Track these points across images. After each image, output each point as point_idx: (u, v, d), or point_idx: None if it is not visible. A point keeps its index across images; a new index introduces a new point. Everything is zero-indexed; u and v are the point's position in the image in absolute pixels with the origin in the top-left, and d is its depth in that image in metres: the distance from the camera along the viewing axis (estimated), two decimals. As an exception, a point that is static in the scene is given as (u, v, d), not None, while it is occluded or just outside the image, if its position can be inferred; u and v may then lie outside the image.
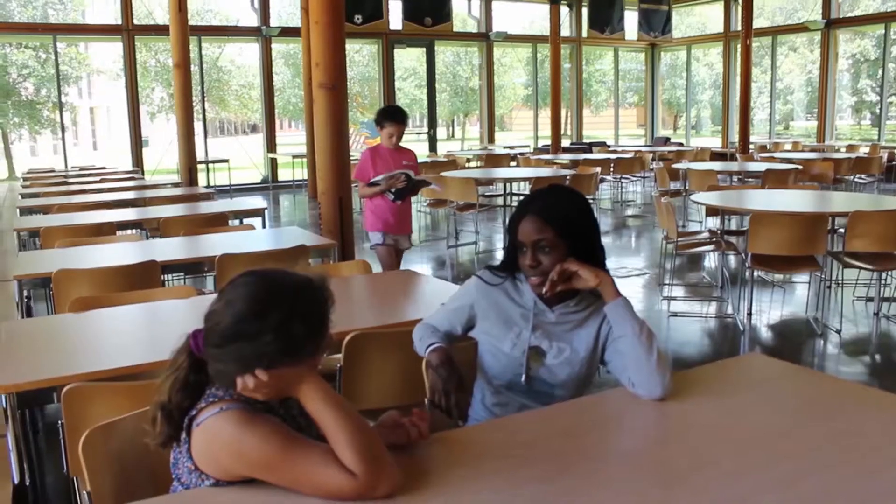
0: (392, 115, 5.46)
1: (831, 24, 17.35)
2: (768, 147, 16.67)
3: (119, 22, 14.81)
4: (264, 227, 7.01)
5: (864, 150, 14.15)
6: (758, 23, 18.35)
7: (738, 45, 17.34)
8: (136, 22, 14.94)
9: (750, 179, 9.97)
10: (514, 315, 2.29)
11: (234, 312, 1.63)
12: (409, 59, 25.70)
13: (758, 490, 1.60)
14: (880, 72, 17.86)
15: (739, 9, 17.55)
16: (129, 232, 5.97)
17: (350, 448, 1.56)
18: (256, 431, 1.57)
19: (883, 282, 6.16)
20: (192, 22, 12.15)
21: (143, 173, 13.70)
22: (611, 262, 8.15)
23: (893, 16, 18.39)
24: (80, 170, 13.07)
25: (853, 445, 1.79)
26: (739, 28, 17.16)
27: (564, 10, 19.01)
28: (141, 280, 3.97)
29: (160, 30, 14.72)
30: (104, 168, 13.49)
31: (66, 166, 14.62)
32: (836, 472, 1.65)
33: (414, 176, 5.45)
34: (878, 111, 17.61)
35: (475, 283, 2.37)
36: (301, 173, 16.03)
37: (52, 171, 13.03)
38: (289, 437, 1.59)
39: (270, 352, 1.61)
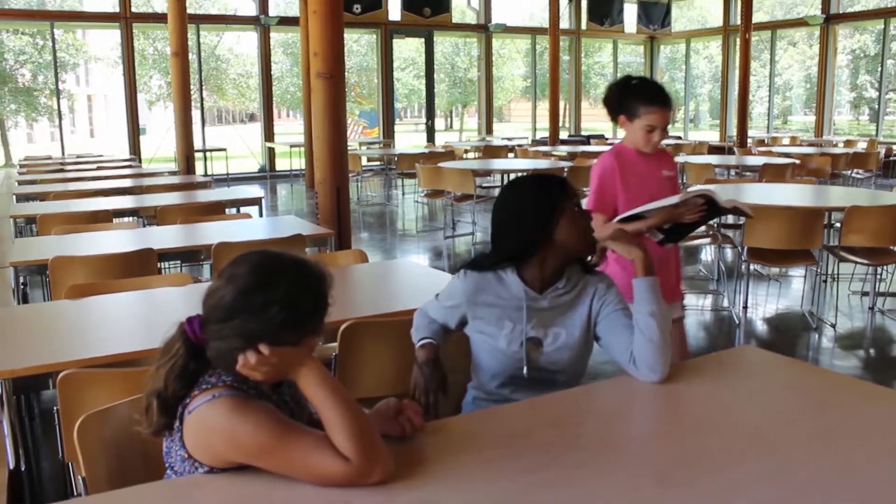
0: (654, 95, 3.16)
1: (831, 19, 17.33)
2: (766, 141, 16.65)
3: (117, 9, 14.75)
4: (261, 216, 7.01)
5: (861, 146, 14.15)
6: (757, 17, 18.32)
7: (738, 39, 17.31)
8: (134, 9, 14.88)
9: (747, 173, 9.97)
10: (506, 310, 2.26)
11: (240, 286, 1.64)
12: (407, 50, 25.65)
13: (749, 481, 1.61)
14: (879, 67, 17.86)
15: (739, 2, 17.51)
16: (125, 219, 5.97)
17: (345, 434, 1.57)
18: (250, 418, 1.57)
19: (878, 276, 6.18)
20: (190, 10, 12.10)
21: (140, 161, 13.68)
22: (607, 255, 8.17)
23: (893, 11, 18.36)
24: (78, 157, 13.05)
25: (844, 438, 1.80)
26: (739, 22, 17.13)
27: (564, 2, 18.95)
28: (137, 268, 3.97)
29: (158, 17, 14.69)
30: (101, 156, 13.47)
31: (63, 153, 14.59)
32: (827, 464, 1.66)
33: (719, 199, 2.96)
34: (876, 107, 17.61)
35: (461, 288, 2.31)
36: (299, 163, 16.00)
37: (49, 158, 13.00)
38: (282, 423, 1.59)
39: (276, 324, 1.62)
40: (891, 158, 14.26)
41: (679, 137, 18.75)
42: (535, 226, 2.20)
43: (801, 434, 1.84)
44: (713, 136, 20.26)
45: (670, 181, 3.32)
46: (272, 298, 1.62)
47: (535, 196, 2.23)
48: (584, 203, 3.00)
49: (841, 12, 17.60)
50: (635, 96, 3.17)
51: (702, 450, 1.77)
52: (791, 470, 1.65)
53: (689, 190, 3.09)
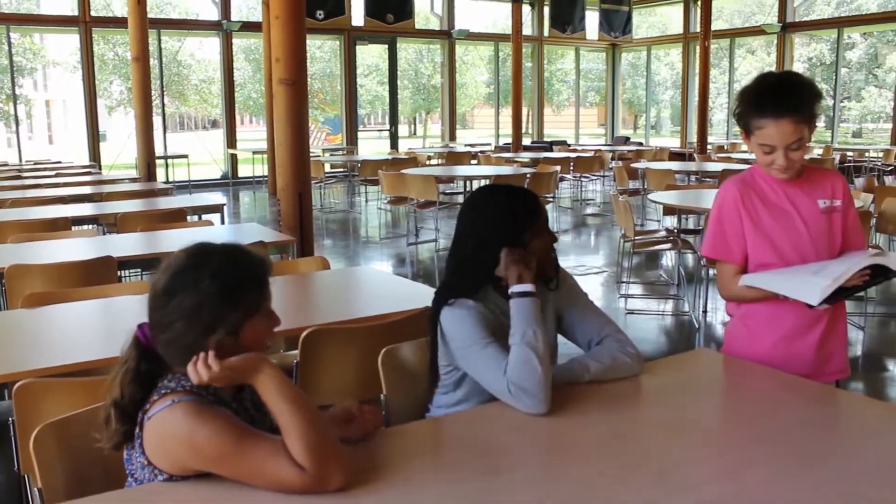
0: (766, 100, 2.27)
1: (787, 27, 17.68)
2: (726, 147, 16.93)
3: (76, 13, 14.56)
4: (223, 223, 6.97)
5: (817, 152, 14.44)
6: (716, 25, 18.62)
7: (697, 47, 17.58)
8: (93, 13, 14.70)
9: (707, 179, 10.13)
10: (496, 323, 2.17)
11: (171, 269, 1.68)
12: (370, 56, 25.62)
13: (704, 479, 1.66)
14: (834, 76, 18.24)
15: (698, 11, 17.79)
16: (85, 227, 5.90)
17: (300, 442, 1.58)
18: (209, 424, 1.58)
19: (833, 280, 6.29)
20: (151, 14, 11.99)
21: (100, 168, 13.50)
22: (570, 261, 8.26)
23: (846, 21, 18.81)
24: (35, 164, 12.84)
25: (793, 437, 1.85)
26: (698, 30, 17.40)
27: (526, 9, 19.10)
28: (97, 276, 3.92)
29: (118, 22, 14.52)
30: (60, 162, 13.27)
31: (20, 160, 14.34)
32: (777, 463, 1.71)
33: (892, 264, 2.28)
34: (831, 114, 17.98)
35: (476, 314, 2.12)
36: (261, 169, 15.92)
37: (6, 164, 12.77)
38: (241, 430, 1.60)
39: (210, 297, 1.64)
40: (845, 164, 14.57)
41: (641, 144, 18.98)
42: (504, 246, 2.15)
43: (753, 433, 1.89)
44: (674, 143, 20.54)
45: (829, 215, 2.40)
46: (203, 273, 1.66)
47: (507, 216, 2.17)
48: (702, 246, 2.57)
49: (797, 21, 17.96)
50: (747, 102, 2.31)
51: (658, 449, 1.80)
52: (745, 468, 1.69)
53: (856, 255, 2.33)
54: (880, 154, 14.93)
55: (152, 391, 1.66)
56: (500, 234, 2.15)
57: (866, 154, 15.74)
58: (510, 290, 2.11)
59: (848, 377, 2.58)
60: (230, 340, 1.67)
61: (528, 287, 2.09)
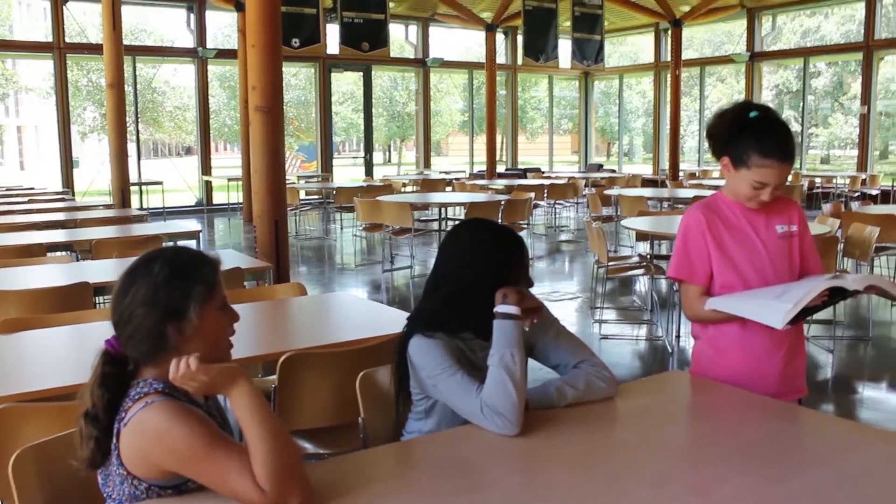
0: (773, 144, 2.39)
1: (755, 56, 18.03)
2: (697, 174, 17.16)
3: (50, 39, 14.54)
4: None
5: (786, 179, 14.67)
6: (686, 54, 18.94)
7: (668, 76, 17.87)
8: (67, 40, 14.68)
9: (679, 205, 10.26)
10: (476, 358, 2.21)
11: (126, 271, 1.78)
12: (346, 84, 25.78)
13: (676, 497, 1.69)
14: (801, 103, 18.62)
15: (669, 40, 18.11)
16: (59, 254, 5.87)
17: (263, 463, 1.60)
18: (184, 422, 1.62)
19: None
20: (126, 41, 12.00)
21: (73, 195, 13.42)
22: (544, 287, 8.32)
23: (812, 51, 19.22)
24: (7, 190, 12.74)
25: (761, 454, 1.90)
26: (669, 59, 17.70)
27: (500, 38, 19.33)
28: (72, 302, 3.92)
29: (93, 48, 14.49)
30: (33, 188, 13.17)
31: (-9, 186, 14.23)
32: (745, 480, 1.75)
33: (848, 285, 2.33)
34: (799, 140, 18.32)
35: (444, 348, 2.14)
36: (236, 196, 15.90)
37: (-23, 191, 12.66)
38: (214, 434, 1.63)
39: (165, 282, 1.72)
40: (813, 191, 14.83)
41: (614, 171, 19.20)
42: (490, 290, 2.16)
43: (722, 451, 1.94)
44: (647, 170, 20.78)
45: (787, 240, 2.53)
46: (154, 264, 1.75)
47: (500, 256, 2.20)
48: (668, 268, 2.65)
49: (765, 50, 18.33)
50: (749, 139, 2.39)
51: (632, 469, 1.84)
52: (717, 484, 1.74)
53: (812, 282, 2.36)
54: (847, 180, 15.21)
55: (121, 397, 1.70)
56: (491, 273, 2.17)
57: (834, 180, 16.02)
58: (494, 310, 2.14)
59: (806, 396, 2.66)
60: (191, 328, 1.73)
61: (512, 309, 2.12)
